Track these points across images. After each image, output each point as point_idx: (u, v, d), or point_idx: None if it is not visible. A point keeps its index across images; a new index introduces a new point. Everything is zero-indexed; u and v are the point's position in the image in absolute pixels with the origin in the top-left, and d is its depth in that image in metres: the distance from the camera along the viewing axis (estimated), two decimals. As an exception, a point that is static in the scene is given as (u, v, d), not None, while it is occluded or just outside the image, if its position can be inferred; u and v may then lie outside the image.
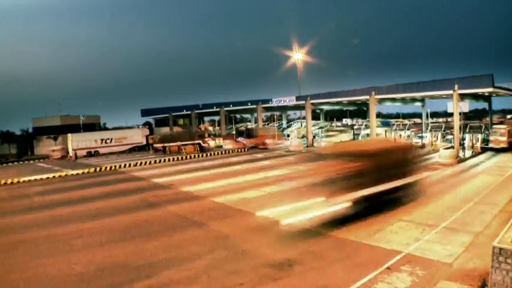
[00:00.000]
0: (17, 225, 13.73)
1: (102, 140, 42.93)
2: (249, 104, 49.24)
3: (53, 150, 43.93)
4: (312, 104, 40.72)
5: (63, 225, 13.23)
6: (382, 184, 11.80)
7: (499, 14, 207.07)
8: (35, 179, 25.80)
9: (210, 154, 36.70)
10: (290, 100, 43.22)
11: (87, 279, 8.37)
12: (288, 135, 47.74)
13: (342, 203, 10.85)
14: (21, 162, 44.11)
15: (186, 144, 39.17)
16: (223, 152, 37.78)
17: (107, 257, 9.71)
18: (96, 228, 12.58)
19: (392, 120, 42.10)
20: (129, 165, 30.57)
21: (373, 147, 14.41)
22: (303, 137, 43.53)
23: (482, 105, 56.53)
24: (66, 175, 27.39)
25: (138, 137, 45.15)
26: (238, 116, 79.14)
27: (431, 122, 40.24)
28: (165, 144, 39.75)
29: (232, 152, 38.04)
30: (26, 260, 9.87)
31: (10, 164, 43.85)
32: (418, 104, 44.69)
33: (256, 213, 12.02)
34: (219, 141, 44.12)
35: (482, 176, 19.65)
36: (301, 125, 50.45)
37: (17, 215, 15.47)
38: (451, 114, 29.52)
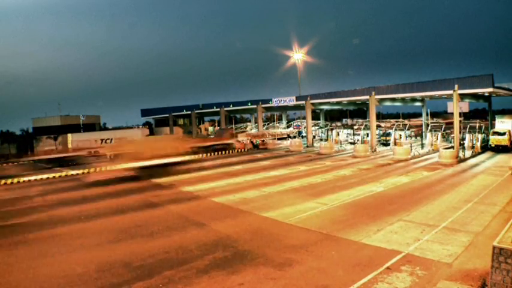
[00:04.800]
0: (17, 225, 13.69)
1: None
2: (249, 104, 49.25)
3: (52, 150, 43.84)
4: (312, 104, 40.71)
5: (63, 225, 13.20)
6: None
7: (499, 14, 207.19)
8: (35, 179, 25.78)
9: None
10: (290, 100, 43.25)
11: (87, 280, 8.36)
12: None
13: None
14: (21, 162, 44.02)
15: None
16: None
17: (107, 257, 9.70)
18: (96, 228, 12.57)
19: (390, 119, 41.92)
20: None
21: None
22: None
23: (482, 105, 56.51)
24: (66, 175, 27.38)
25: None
26: (238, 116, 79.05)
27: (431, 122, 40.15)
28: None
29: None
30: (26, 260, 9.86)
31: (10, 164, 43.78)
32: (418, 104, 44.71)
33: None
34: None
35: (482, 176, 19.66)
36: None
37: (17, 215, 15.44)
38: (451, 114, 29.51)
